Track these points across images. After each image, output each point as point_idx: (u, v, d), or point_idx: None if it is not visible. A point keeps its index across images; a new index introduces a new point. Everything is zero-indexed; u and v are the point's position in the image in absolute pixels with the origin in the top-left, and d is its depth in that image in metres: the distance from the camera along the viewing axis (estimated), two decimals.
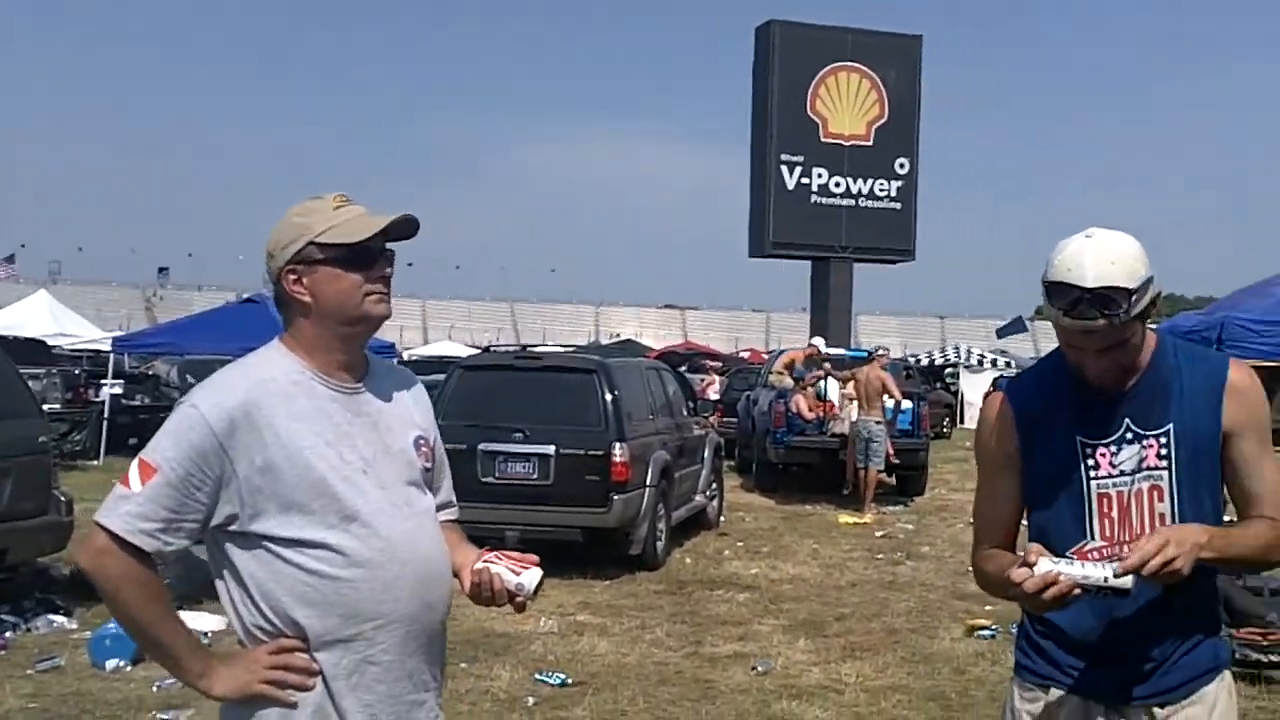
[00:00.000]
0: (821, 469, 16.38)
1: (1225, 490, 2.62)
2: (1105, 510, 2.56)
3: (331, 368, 2.45)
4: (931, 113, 66.17)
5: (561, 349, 14.72)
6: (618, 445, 10.32)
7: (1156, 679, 2.56)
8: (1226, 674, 2.68)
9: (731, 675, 7.41)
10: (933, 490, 17.32)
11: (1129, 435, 2.54)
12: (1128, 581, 2.33)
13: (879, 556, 12.03)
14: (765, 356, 30.45)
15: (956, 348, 44.67)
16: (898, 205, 41.00)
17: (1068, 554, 2.46)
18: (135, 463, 2.31)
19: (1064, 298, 2.39)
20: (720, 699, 6.90)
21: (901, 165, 40.94)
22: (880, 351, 16.53)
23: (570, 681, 7.14)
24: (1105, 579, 2.34)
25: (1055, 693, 2.63)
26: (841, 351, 21.27)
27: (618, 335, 76.24)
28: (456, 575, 2.61)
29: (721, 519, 14.06)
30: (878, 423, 14.89)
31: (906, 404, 15.79)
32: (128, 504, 2.27)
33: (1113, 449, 2.55)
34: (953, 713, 6.65)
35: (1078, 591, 2.34)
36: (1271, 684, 7.05)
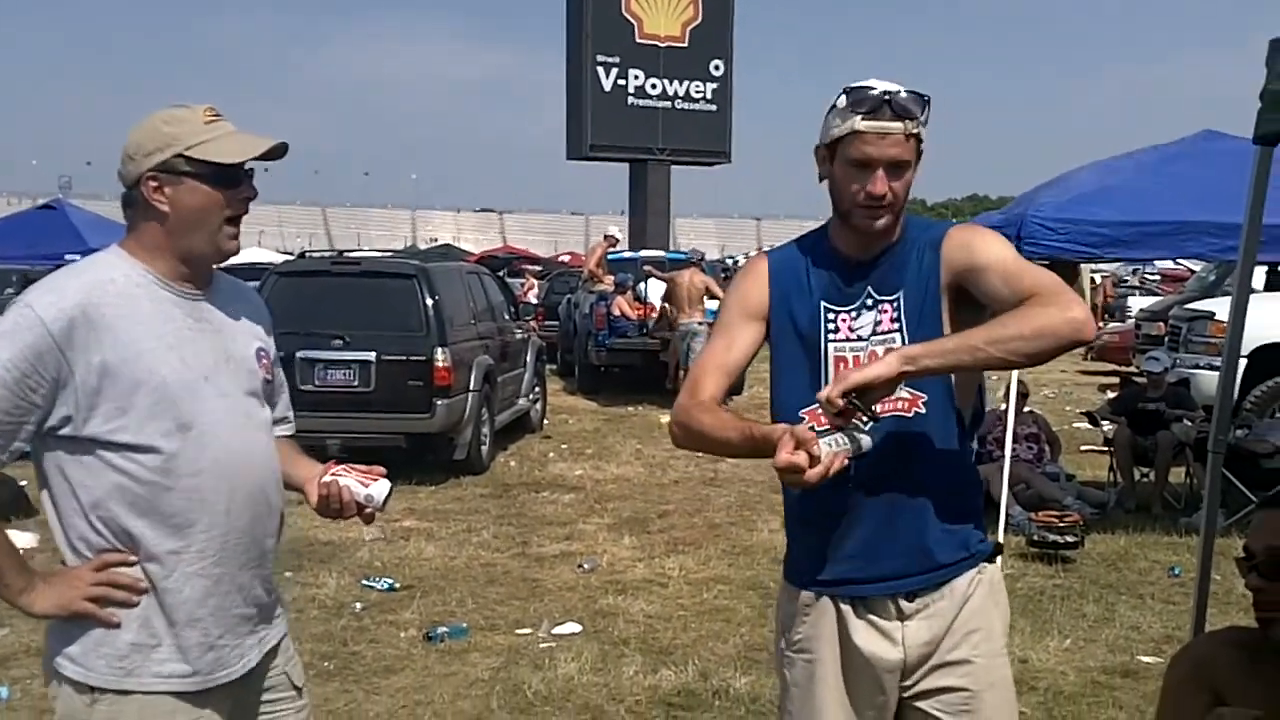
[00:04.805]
0: (643, 370, 16.54)
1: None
2: (840, 373, 2.52)
3: (175, 274, 2.39)
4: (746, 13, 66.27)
5: (379, 254, 14.38)
6: (440, 350, 10.24)
7: (896, 571, 2.56)
8: (989, 568, 2.65)
9: (558, 573, 7.53)
10: (750, 389, 17.63)
11: (869, 301, 2.58)
12: (865, 442, 2.34)
13: (700, 454, 12.23)
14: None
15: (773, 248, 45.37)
16: (713, 107, 41.24)
17: (800, 413, 2.52)
18: None
19: (865, 102, 2.44)
20: (548, 596, 7.00)
21: (716, 67, 41.10)
22: (696, 255, 16.73)
23: (398, 586, 7.16)
24: (843, 442, 2.32)
25: (806, 593, 2.65)
26: (662, 254, 21.40)
27: (435, 239, 75.22)
28: (301, 489, 2.60)
29: (545, 422, 14.15)
30: (700, 324, 15.10)
31: None
32: None
33: (853, 315, 2.59)
34: (771, 600, 6.77)
35: (844, 462, 2.31)
36: (1067, 563, 7.53)
